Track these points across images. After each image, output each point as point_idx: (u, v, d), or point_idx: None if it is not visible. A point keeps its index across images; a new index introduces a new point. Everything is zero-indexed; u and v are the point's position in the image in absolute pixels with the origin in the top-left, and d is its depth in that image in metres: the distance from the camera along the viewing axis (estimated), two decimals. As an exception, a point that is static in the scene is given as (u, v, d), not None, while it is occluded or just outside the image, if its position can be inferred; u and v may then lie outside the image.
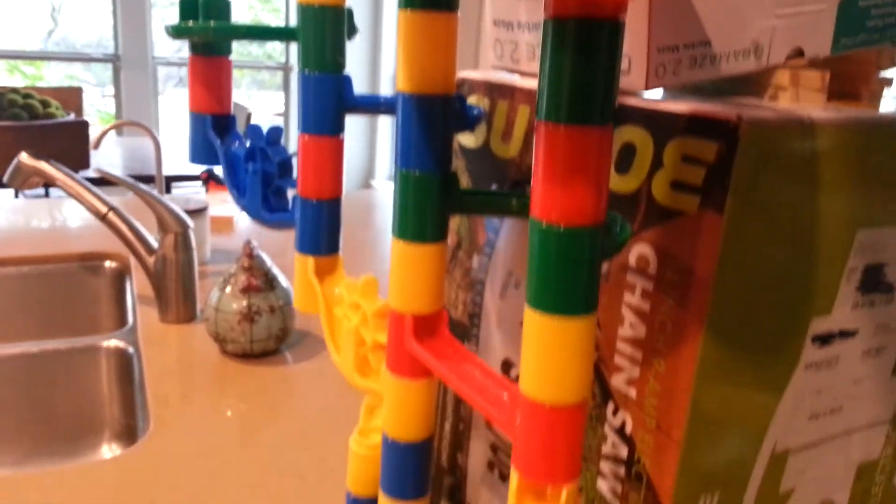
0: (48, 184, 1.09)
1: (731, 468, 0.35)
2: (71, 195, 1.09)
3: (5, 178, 1.11)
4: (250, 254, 1.02)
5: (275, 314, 1.02)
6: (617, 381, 0.35)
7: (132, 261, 1.36)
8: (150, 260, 1.11)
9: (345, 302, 0.40)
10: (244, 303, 1.00)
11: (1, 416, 1.03)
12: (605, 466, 0.36)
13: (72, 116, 2.78)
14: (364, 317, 0.39)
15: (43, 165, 1.09)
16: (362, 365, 0.40)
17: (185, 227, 1.11)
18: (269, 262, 1.04)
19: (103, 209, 1.10)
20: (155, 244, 1.12)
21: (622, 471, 0.35)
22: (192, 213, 1.28)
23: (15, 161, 1.09)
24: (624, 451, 0.35)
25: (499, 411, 0.30)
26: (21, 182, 1.10)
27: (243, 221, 1.73)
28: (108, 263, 1.41)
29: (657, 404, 0.33)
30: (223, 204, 1.80)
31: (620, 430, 0.35)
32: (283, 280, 1.04)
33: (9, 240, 1.45)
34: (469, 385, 0.32)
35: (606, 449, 0.36)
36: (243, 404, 0.93)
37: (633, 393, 0.34)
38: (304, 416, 0.92)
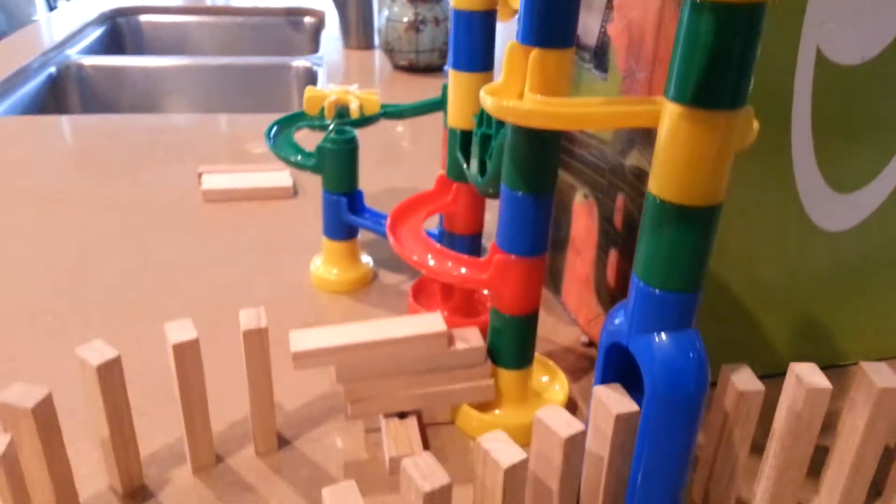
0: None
1: None
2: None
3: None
4: (419, -35, 1.05)
5: (439, 26, 1.05)
6: None
7: (326, 14, 1.46)
8: (335, -14, 1.19)
9: None
10: (411, 12, 1.04)
11: (216, 106, 1.21)
12: None
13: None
14: None
15: None
16: None
17: (364, -50, 1.16)
18: (437, -22, 1.07)
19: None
20: (339, -29, 1.19)
21: None
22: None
23: None
24: None
25: None
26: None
27: None
28: (307, 19, 1.53)
29: None
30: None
31: None
32: (450, -3, 1.07)
33: None
34: None
35: None
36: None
37: None
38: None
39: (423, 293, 0.52)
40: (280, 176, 0.71)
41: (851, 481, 0.36)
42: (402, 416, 0.41)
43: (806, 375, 0.34)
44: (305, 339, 0.37)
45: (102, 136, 0.83)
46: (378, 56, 1.20)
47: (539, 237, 0.37)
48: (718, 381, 0.35)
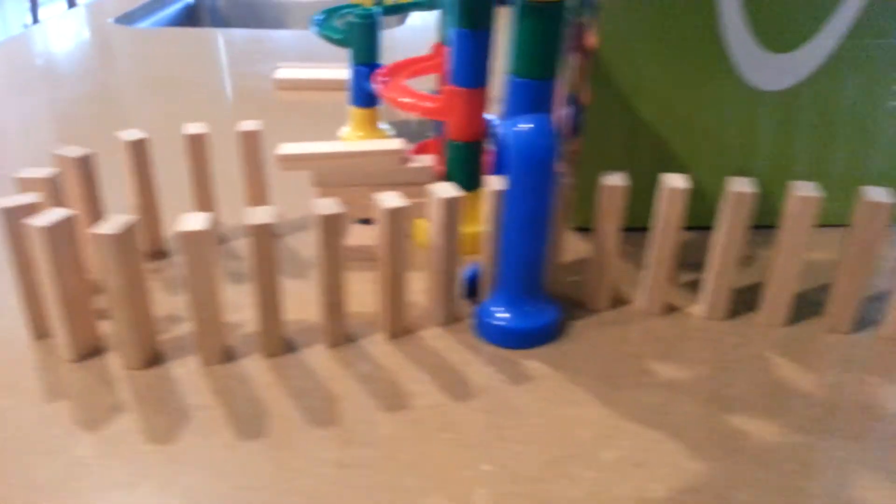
0: None
1: None
2: None
3: None
4: None
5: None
6: None
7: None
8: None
9: None
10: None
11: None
12: None
13: None
14: None
15: None
16: None
17: None
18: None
19: None
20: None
21: None
22: None
23: None
24: None
25: None
26: None
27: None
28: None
29: None
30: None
31: None
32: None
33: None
34: None
35: None
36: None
37: None
38: None
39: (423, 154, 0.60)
40: (343, 72, 0.82)
41: None
42: (366, 223, 0.50)
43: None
44: (291, 148, 0.47)
45: (218, 43, 0.98)
46: None
47: (478, 70, 0.45)
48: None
